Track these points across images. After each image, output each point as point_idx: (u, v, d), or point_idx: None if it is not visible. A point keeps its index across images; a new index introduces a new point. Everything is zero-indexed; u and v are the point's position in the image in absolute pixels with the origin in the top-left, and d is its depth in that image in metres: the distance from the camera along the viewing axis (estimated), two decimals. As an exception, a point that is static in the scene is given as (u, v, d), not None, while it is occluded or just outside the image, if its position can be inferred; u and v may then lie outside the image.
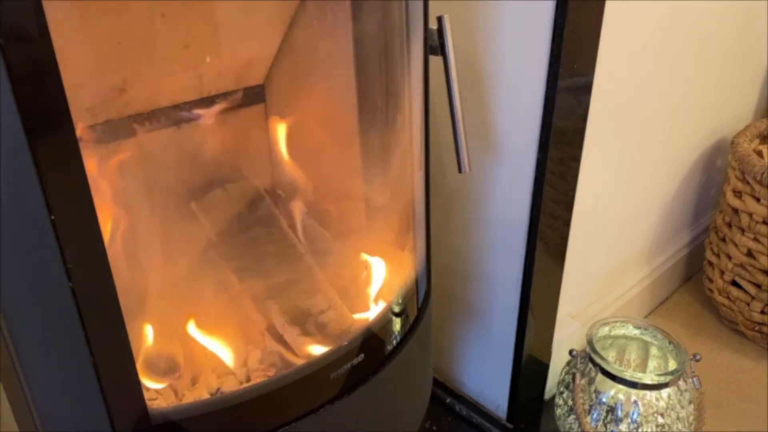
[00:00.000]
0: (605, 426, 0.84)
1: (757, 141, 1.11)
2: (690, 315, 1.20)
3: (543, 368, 0.94)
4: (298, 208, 0.74)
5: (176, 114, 0.62)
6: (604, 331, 0.91)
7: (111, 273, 0.45)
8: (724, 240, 1.11)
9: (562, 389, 0.90)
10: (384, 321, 0.67)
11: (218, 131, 0.68)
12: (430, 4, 0.62)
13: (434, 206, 0.86)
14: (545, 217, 0.79)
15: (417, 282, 0.72)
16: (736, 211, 1.07)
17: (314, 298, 0.68)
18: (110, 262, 0.45)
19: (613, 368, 0.83)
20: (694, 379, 0.86)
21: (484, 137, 0.79)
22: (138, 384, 0.50)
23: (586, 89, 0.74)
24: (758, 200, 1.03)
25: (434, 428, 0.95)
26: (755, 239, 1.04)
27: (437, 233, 0.90)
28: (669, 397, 0.83)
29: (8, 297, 0.45)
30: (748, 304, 1.09)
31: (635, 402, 0.82)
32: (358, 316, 0.68)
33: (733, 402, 1.01)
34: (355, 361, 0.62)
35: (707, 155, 1.17)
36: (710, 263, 1.17)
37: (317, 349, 0.63)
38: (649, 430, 0.83)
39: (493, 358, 0.92)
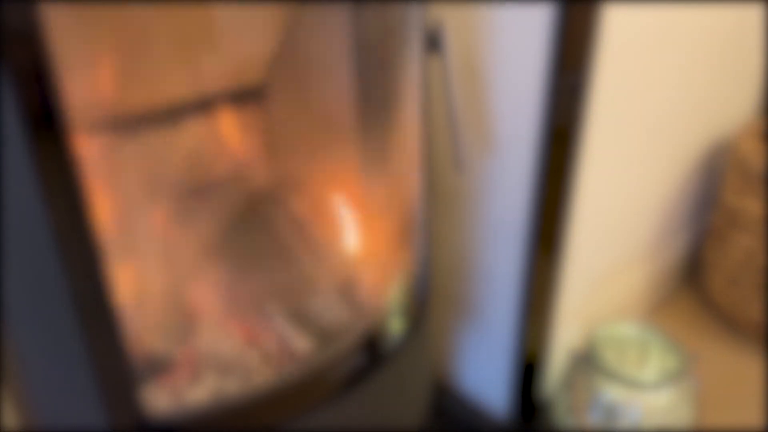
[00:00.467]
0: (605, 426, 0.84)
1: (757, 141, 1.11)
2: (690, 315, 1.20)
3: (543, 368, 0.93)
4: (297, 207, 0.74)
5: (175, 113, 0.62)
6: (604, 331, 0.91)
7: (109, 273, 0.45)
8: (723, 240, 1.11)
9: (562, 389, 0.90)
10: (384, 321, 0.67)
11: (217, 131, 0.68)
12: (430, 4, 0.62)
13: (434, 206, 0.85)
14: (545, 216, 0.79)
15: (417, 282, 0.72)
16: (735, 211, 1.07)
17: (314, 298, 0.68)
18: (108, 261, 0.44)
19: (613, 368, 0.83)
20: (694, 379, 0.86)
21: (483, 137, 0.79)
22: (136, 384, 0.50)
23: (586, 89, 0.74)
24: (758, 200, 1.02)
25: (434, 428, 0.95)
26: (755, 239, 1.04)
27: (437, 233, 0.90)
28: (669, 397, 0.83)
29: (9, 298, 0.45)
30: (748, 304, 1.09)
31: (635, 402, 0.82)
32: (357, 316, 0.68)
33: (732, 401, 1.01)
34: (355, 361, 0.62)
35: (707, 155, 1.17)
36: (710, 263, 1.16)
37: (317, 349, 0.63)
38: (649, 430, 0.83)
39: (492, 358, 0.92)
